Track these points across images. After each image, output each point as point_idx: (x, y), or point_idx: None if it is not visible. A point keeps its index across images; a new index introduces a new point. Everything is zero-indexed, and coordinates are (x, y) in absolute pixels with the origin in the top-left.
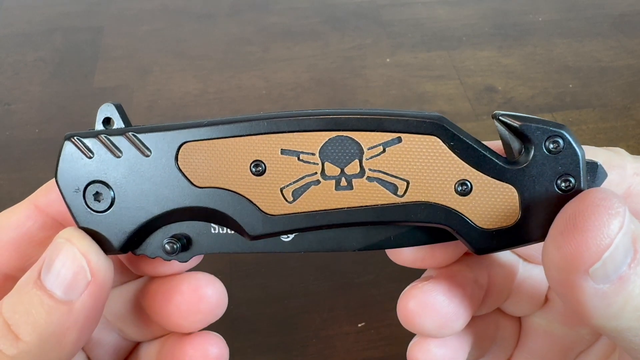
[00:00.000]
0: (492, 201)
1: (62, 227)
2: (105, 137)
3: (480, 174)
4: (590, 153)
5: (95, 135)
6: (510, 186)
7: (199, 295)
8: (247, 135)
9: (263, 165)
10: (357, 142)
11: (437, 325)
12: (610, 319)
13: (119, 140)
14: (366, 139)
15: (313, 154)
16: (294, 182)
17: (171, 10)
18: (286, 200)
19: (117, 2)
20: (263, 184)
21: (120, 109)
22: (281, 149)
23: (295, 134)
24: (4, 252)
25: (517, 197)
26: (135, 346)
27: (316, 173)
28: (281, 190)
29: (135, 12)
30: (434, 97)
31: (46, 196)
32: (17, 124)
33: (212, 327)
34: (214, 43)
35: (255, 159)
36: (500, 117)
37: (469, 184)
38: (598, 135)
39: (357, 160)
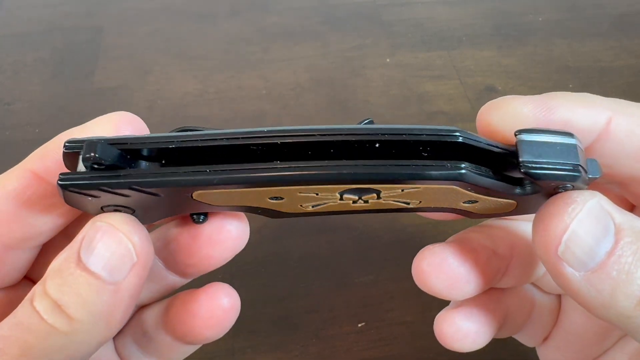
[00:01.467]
0: (493, 206)
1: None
2: (107, 188)
3: (486, 197)
4: (568, 109)
5: (96, 187)
6: (512, 201)
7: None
8: (261, 187)
9: (281, 197)
10: (376, 190)
11: (446, 286)
12: (605, 308)
13: (119, 189)
14: (386, 188)
15: (332, 194)
16: (313, 203)
17: (171, 10)
18: (305, 209)
19: (117, 2)
20: (282, 204)
21: (106, 147)
22: (299, 191)
23: (313, 186)
24: (4, 223)
25: (516, 204)
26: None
27: (330, 201)
28: (301, 205)
29: (135, 12)
30: (434, 97)
31: (42, 162)
32: (17, 124)
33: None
34: (214, 43)
35: (273, 195)
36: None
37: (476, 200)
38: None
39: (375, 195)
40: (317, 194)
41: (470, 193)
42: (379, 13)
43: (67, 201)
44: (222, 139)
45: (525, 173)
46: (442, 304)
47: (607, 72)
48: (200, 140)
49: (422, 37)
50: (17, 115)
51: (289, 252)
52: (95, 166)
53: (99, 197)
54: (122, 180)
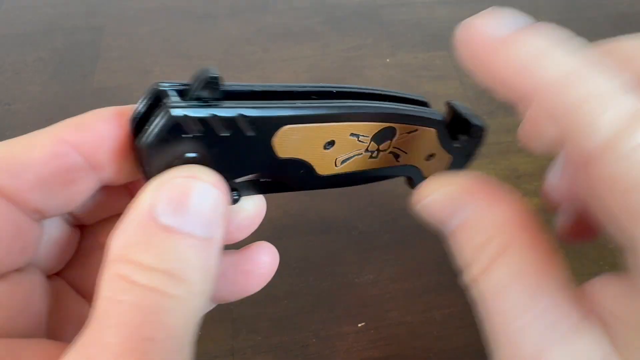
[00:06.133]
0: (438, 165)
1: (91, 170)
2: (215, 116)
3: (442, 148)
4: None
5: (206, 113)
6: (450, 155)
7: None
8: (333, 122)
9: (333, 142)
10: (396, 130)
11: None
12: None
13: (227, 120)
14: (401, 129)
15: (367, 137)
16: (346, 154)
17: (171, 10)
18: (335, 166)
19: (117, 2)
20: (326, 156)
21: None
22: (350, 133)
23: (364, 123)
24: (28, 193)
25: (449, 162)
26: None
27: (362, 149)
28: (335, 160)
29: (135, 12)
30: (434, 97)
31: (79, 134)
32: (17, 124)
33: (212, 326)
34: (214, 43)
35: (330, 139)
36: (452, 105)
37: (434, 154)
38: None
39: (389, 141)
40: (358, 139)
41: (438, 145)
42: (379, 13)
43: (149, 145)
44: (295, 87)
45: (475, 127)
46: (443, 304)
47: None
48: (279, 86)
49: (422, 37)
50: (17, 115)
51: (289, 252)
52: (198, 99)
53: (192, 135)
54: (234, 106)
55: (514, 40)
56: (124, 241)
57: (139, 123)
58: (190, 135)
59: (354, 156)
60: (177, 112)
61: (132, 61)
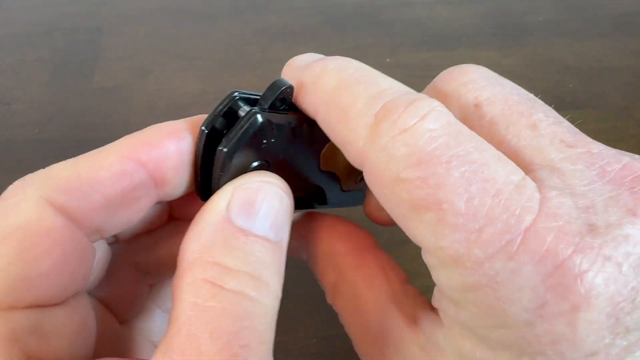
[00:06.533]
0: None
1: (154, 187)
2: (290, 124)
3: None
4: None
5: (284, 121)
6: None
7: None
8: None
9: None
10: None
11: None
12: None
13: (298, 129)
14: None
15: None
16: None
17: (171, 10)
18: (356, 183)
19: (117, 2)
20: (353, 170)
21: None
22: None
23: None
24: (94, 214)
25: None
26: None
27: None
28: (358, 176)
29: (135, 12)
30: None
31: (146, 151)
32: (17, 124)
33: None
34: (214, 43)
35: None
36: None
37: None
38: (599, 136)
39: None
40: None
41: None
42: (379, 13)
43: (233, 149)
44: None
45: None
46: None
47: (607, 72)
48: None
49: (422, 37)
50: (17, 115)
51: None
52: (272, 107)
53: (273, 140)
54: (302, 116)
55: (309, 67)
56: (201, 244)
57: (211, 132)
58: (265, 142)
59: None
60: (262, 117)
61: (132, 61)
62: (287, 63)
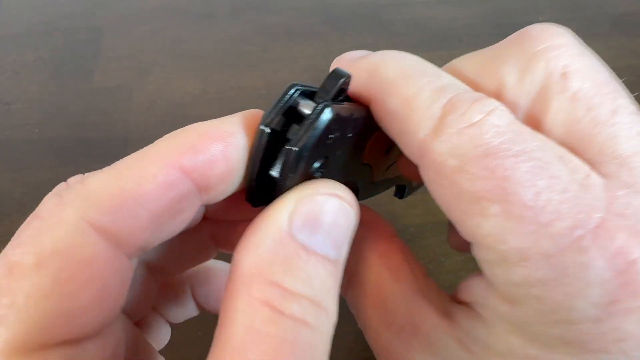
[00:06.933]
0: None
1: (198, 195)
2: (352, 115)
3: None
4: None
5: (348, 112)
6: None
7: None
8: None
9: (391, 147)
10: None
11: None
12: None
13: (359, 119)
14: None
15: None
16: (393, 160)
17: (171, 10)
18: (384, 173)
19: (117, 2)
20: (384, 161)
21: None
22: None
23: None
24: (139, 233)
25: None
26: None
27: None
28: (386, 166)
29: (135, 12)
30: None
31: (191, 157)
32: (17, 124)
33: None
34: (214, 43)
35: (392, 143)
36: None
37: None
38: None
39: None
40: None
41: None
42: (379, 13)
43: (307, 147)
44: None
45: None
46: None
47: None
48: None
49: (422, 37)
50: (17, 115)
51: None
52: (334, 99)
53: (336, 134)
54: (356, 106)
55: (365, 57)
56: (260, 259)
57: (271, 131)
58: (331, 137)
59: (394, 162)
60: (333, 111)
61: (132, 61)
62: (336, 58)
